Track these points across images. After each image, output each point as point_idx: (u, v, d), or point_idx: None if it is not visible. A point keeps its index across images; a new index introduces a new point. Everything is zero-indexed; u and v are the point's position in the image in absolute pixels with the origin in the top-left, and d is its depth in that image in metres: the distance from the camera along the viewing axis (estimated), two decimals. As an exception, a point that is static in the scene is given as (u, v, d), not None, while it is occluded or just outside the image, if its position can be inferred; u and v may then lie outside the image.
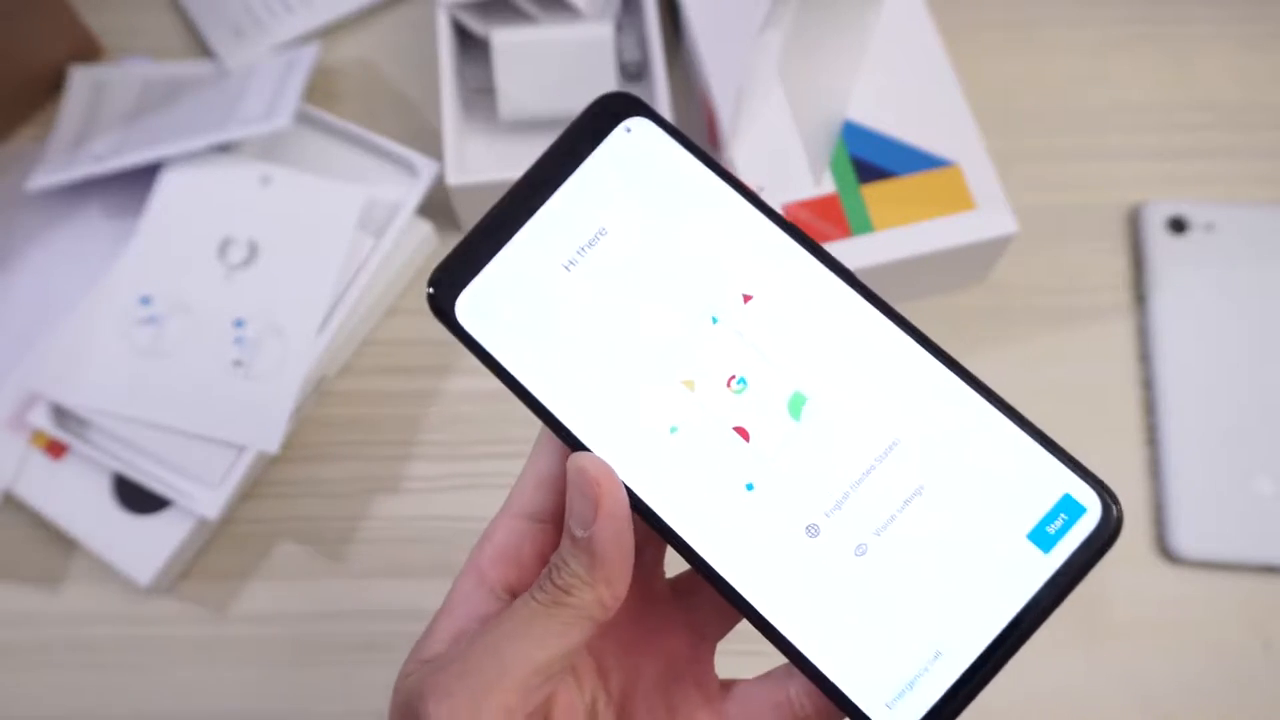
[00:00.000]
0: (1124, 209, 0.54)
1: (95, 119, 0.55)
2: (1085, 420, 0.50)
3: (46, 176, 0.52)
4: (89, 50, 0.58)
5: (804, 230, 0.27)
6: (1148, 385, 0.51)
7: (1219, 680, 0.46)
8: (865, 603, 0.25)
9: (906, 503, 0.25)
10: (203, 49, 0.59)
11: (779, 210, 0.29)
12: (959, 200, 0.48)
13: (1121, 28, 0.59)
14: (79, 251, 0.52)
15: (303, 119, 0.53)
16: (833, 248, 0.47)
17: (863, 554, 0.25)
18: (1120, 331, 0.52)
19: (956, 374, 0.26)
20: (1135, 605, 0.47)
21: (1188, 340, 0.50)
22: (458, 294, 0.27)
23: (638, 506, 0.26)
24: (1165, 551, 0.48)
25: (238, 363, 0.48)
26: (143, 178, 0.51)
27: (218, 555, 0.49)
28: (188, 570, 0.48)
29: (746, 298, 0.27)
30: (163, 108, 0.55)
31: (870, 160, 0.49)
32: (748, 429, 0.26)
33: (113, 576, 0.47)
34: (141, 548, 0.46)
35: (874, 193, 0.48)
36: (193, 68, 0.58)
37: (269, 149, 0.53)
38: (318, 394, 0.51)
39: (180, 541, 0.46)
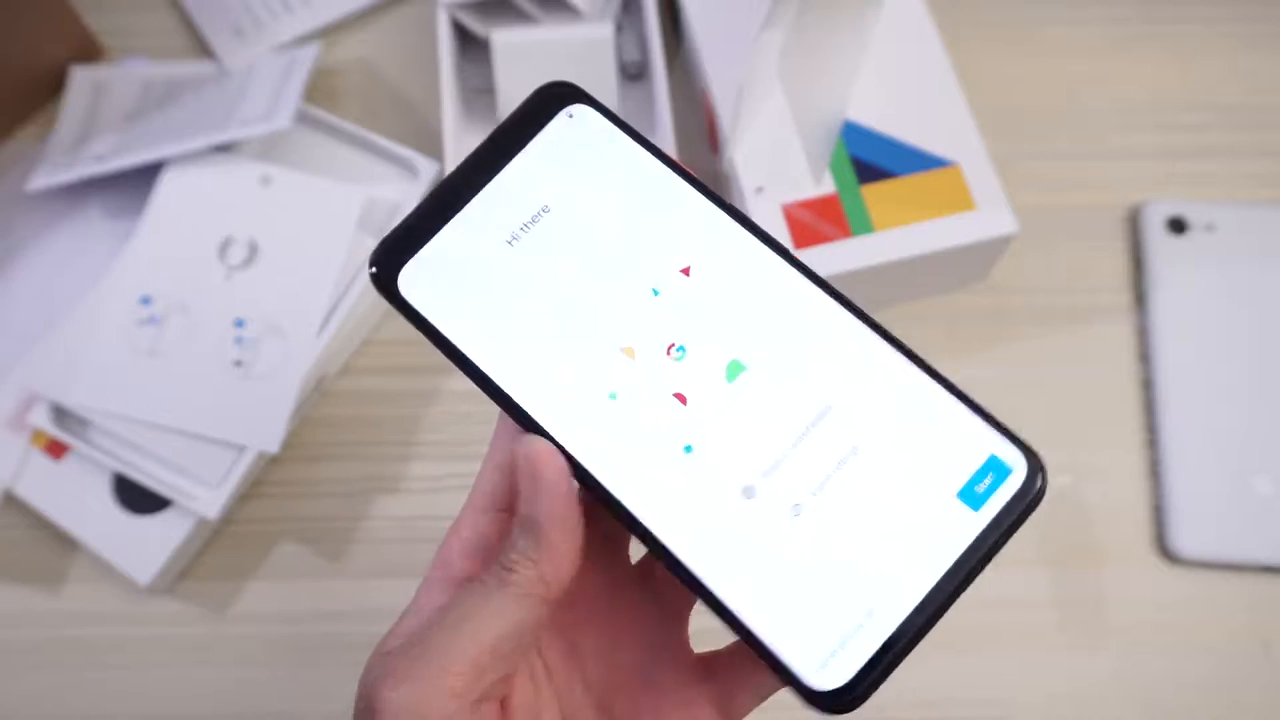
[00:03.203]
0: (1124, 209, 0.54)
1: (95, 119, 0.55)
2: (1085, 420, 0.50)
3: (46, 176, 0.52)
4: (89, 50, 0.58)
5: (742, 211, 0.28)
6: (1148, 385, 0.51)
7: (1219, 681, 0.46)
8: (800, 564, 0.25)
9: (841, 464, 0.26)
10: (203, 49, 0.59)
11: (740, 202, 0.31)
12: (959, 200, 0.48)
13: (1121, 28, 0.59)
14: (79, 251, 0.52)
15: (303, 119, 0.53)
16: (833, 248, 0.47)
17: (798, 515, 0.26)
18: (1120, 331, 0.52)
19: (888, 342, 0.27)
20: (1135, 605, 0.47)
21: (1188, 340, 0.50)
22: (399, 269, 0.28)
23: (582, 477, 0.26)
24: (1165, 551, 0.48)
25: (238, 363, 0.48)
26: (143, 178, 0.51)
27: (218, 555, 0.49)
28: (188, 570, 0.48)
29: (685, 270, 0.28)
30: (163, 108, 0.55)
31: (870, 160, 0.49)
32: (686, 394, 0.27)
33: (113, 576, 0.47)
34: (141, 548, 0.46)
35: (874, 193, 0.48)
36: (193, 68, 0.58)
37: (269, 149, 0.53)
38: (318, 394, 0.51)
39: (180, 541, 0.46)
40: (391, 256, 0.28)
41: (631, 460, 0.27)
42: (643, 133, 0.29)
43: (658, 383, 0.27)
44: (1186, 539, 0.47)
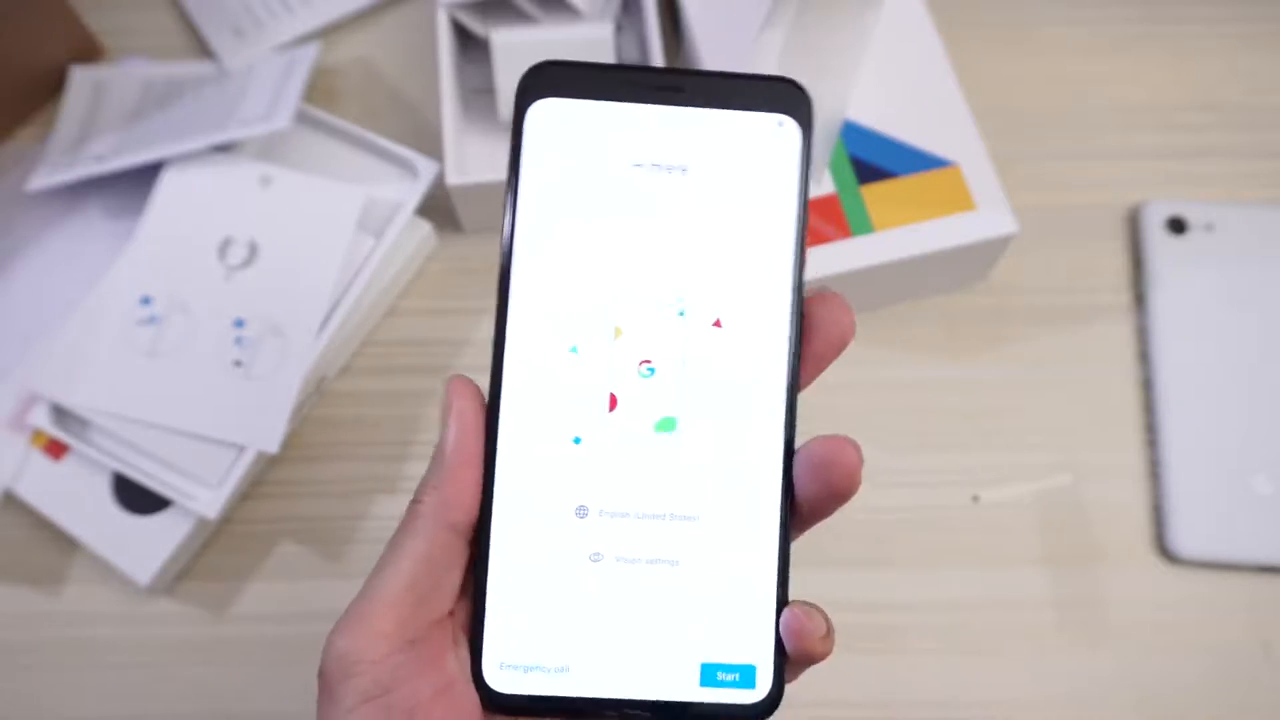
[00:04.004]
0: (1124, 209, 0.54)
1: (95, 119, 0.55)
2: (1085, 420, 0.50)
3: (46, 176, 0.52)
4: (89, 50, 0.58)
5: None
6: (1148, 385, 0.51)
7: (1219, 681, 0.46)
8: (548, 586, 0.27)
9: (652, 561, 0.27)
10: (203, 49, 0.59)
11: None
12: (959, 200, 0.48)
13: (1121, 27, 0.59)
14: (79, 251, 0.52)
15: (303, 119, 0.53)
16: (833, 248, 0.47)
17: (597, 561, 0.27)
18: (1120, 331, 0.52)
19: (782, 503, 0.27)
20: (1135, 605, 0.47)
21: (1188, 340, 0.50)
22: (550, 94, 0.27)
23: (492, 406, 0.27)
24: (1165, 551, 0.48)
25: (238, 363, 0.48)
26: (143, 178, 0.51)
27: (217, 555, 0.49)
28: (187, 570, 0.48)
29: (717, 323, 0.28)
30: (163, 108, 0.55)
31: (870, 160, 0.49)
32: (617, 398, 0.27)
33: (113, 576, 0.47)
34: (141, 548, 0.46)
35: (874, 193, 0.48)
36: (193, 68, 0.58)
37: (269, 149, 0.53)
38: (318, 394, 0.51)
39: (180, 541, 0.46)
40: (555, 81, 0.27)
41: (538, 415, 0.27)
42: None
43: (607, 372, 0.27)
44: (1186, 539, 0.47)
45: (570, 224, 0.27)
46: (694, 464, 0.27)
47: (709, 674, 0.27)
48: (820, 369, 0.28)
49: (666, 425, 0.27)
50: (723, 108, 0.28)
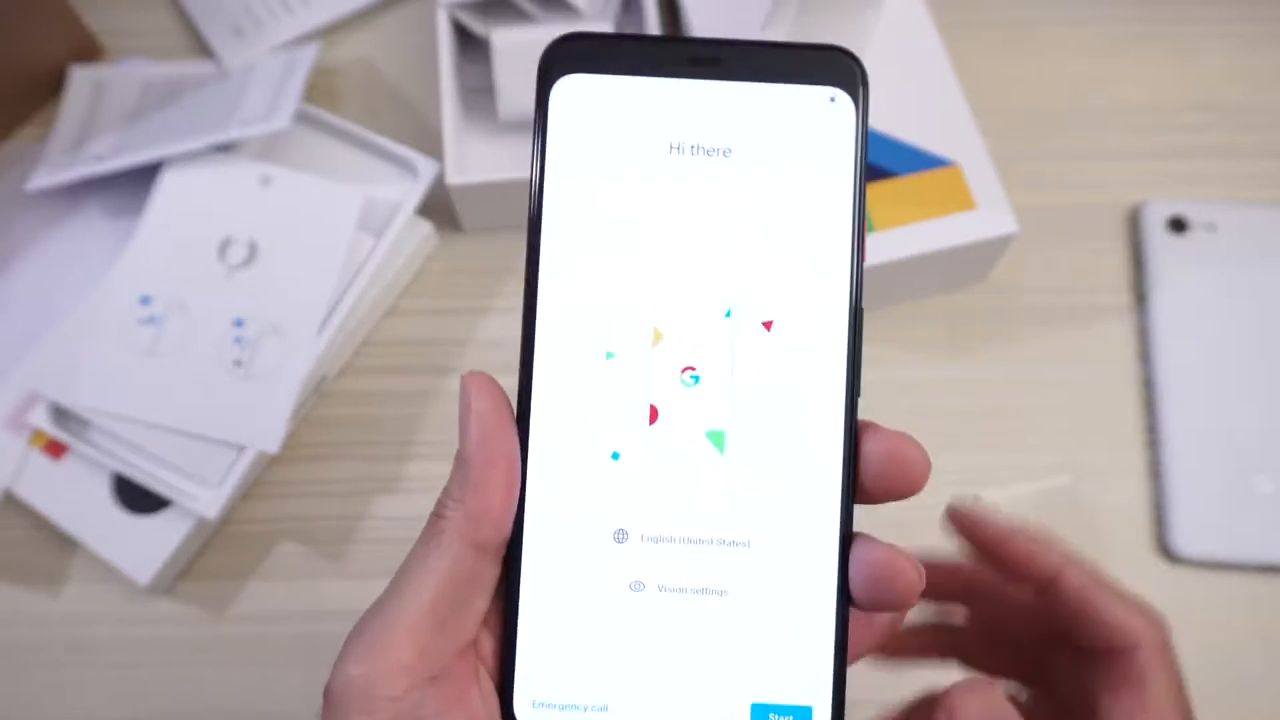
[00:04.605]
0: (1124, 209, 0.54)
1: (95, 119, 0.55)
2: (1085, 420, 0.50)
3: (46, 176, 0.52)
4: (89, 50, 0.58)
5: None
6: (1148, 385, 0.51)
7: (1219, 680, 0.46)
8: (588, 615, 0.25)
9: (699, 591, 0.25)
10: (203, 49, 0.59)
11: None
12: (959, 200, 0.48)
13: (1121, 27, 0.59)
14: (79, 251, 0.52)
15: (303, 119, 0.53)
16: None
17: (638, 590, 0.25)
18: (1120, 331, 0.52)
19: (841, 544, 0.25)
20: (1135, 605, 0.47)
21: (1188, 340, 0.50)
22: (576, 70, 0.25)
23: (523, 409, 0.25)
24: (1165, 551, 0.48)
25: (238, 363, 0.48)
26: (143, 178, 0.51)
27: (217, 555, 0.49)
28: (187, 570, 0.48)
29: (768, 325, 0.25)
30: (163, 108, 0.55)
31: (870, 160, 0.49)
32: (658, 409, 0.25)
33: (113, 576, 0.47)
34: (141, 548, 0.46)
35: (874, 192, 0.48)
36: (193, 68, 0.58)
37: (269, 149, 0.53)
38: (318, 394, 0.51)
39: (180, 541, 0.46)
40: (580, 55, 0.25)
41: (573, 430, 0.25)
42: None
43: (649, 383, 0.25)
44: (1186, 539, 0.47)
45: (602, 215, 0.25)
46: (744, 483, 0.25)
47: (760, 716, 0.24)
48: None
49: (713, 439, 0.25)
50: (768, 81, 0.25)
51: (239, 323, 0.48)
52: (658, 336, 0.25)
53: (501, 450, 0.24)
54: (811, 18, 0.49)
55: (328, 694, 0.23)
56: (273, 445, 0.47)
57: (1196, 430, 0.49)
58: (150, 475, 0.46)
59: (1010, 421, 0.50)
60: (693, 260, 0.25)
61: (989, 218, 0.48)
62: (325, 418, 0.51)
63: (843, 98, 0.25)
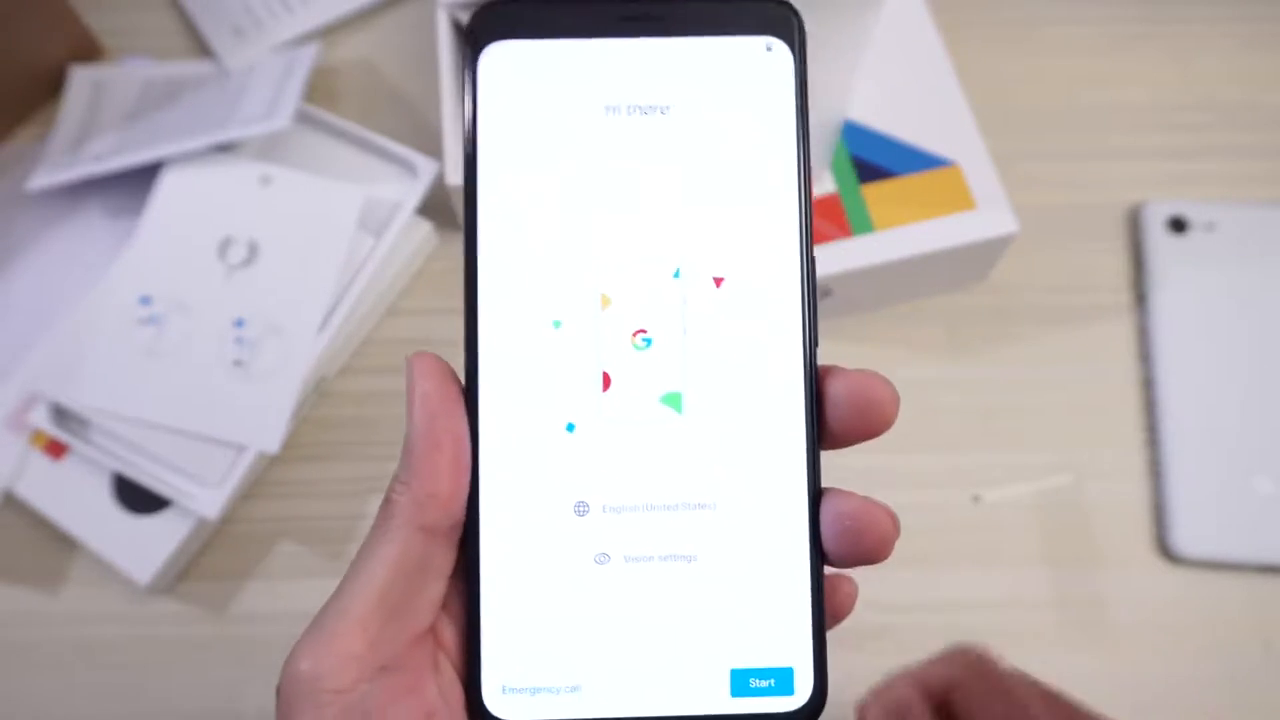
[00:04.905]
0: (1124, 209, 0.54)
1: (95, 119, 0.55)
2: (1085, 420, 0.50)
3: (46, 176, 0.52)
4: (89, 50, 0.58)
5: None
6: (1148, 385, 0.51)
7: (1219, 680, 0.46)
8: (553, 598, 0.24)
9: (668, 559, 0.24)
10: (203, 49, 0.59)
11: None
12: (959, 200, 0.48)
13: (1121, 27, 0.59)
14: (79, 251, 0.52)
15: (303, 119, 0.53)
16: (833, 247, 0.47)
17: (603, 563, 0.24)
18: (1120, 331, 0.52)
19: (810, 506, 0.24)
20: (1135, 605, 0.47)
21: (1188, 340, 0.50)
22: (500, 37, 0.24)
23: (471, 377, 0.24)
24: (1165, 551, 0.48)
25: (238, 363, 0.48)
26: (143, 178, 0.51)
27: (218, 555, 0.49)
28: (188, 570, 0.48)
29: (718, 281, 0.24)
30: (163, 108, 0.55)
31: (871, 160, 0.49)
32: (613, 378, 0.24)
33: (113, 576, 0.47)
34: (141, 548, 0.46)
35: (875, 192, 0.48)
36: (193, 68, 0.58)
37: (269, 149, 0.53)
38: (318, 394, 0.51)
39: (180, 541, 0.46)
40: (507, 21, 0.24)
41: (521, 400, 0.24)
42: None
43: (592, 350, 0.24)
44: (1186, 539, 0.47)
45: (541, 182, 0.24)
46: (705, 444, 0.24)
47: (740, 682, 0.24)
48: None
49: (670, 402, 0.24)
50: (702, 35, 0.24)
51: (239, 323, 0.48)
52: (605, 301, 0.24)
53: (446, 430, 0.23)
54: (811, 17, 0.49)
55: (278, 690, 0.23)
56: (273, 445, 0.47)
57: (1196, 430, 0.49)
58: (150, 475, 0.46)
59: (1010, 421, 0.50)
60: (637, 221, 0.24)
61: (989, 218, 0.48)
62: (325, 418, 0.51)
63: (779, 46, 0.25)
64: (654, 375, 0.24)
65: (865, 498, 0.24)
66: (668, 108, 0.24)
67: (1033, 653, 0.47)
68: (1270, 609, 0.47)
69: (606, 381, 0.24)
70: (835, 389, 0.24)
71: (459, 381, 0.24)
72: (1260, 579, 0.47)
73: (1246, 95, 0.57)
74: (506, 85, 0.24)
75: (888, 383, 0.24)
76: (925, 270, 0.49)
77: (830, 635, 0.26)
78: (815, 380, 0.24)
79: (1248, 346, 0.50)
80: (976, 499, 0.49)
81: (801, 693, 0.24)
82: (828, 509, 0.24)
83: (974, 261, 0.50)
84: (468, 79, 0.24)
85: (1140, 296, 0.52)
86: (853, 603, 0.25)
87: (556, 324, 0.24)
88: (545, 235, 0.24)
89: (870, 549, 0.24)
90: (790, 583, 0.24)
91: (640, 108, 0.24)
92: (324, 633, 0.23)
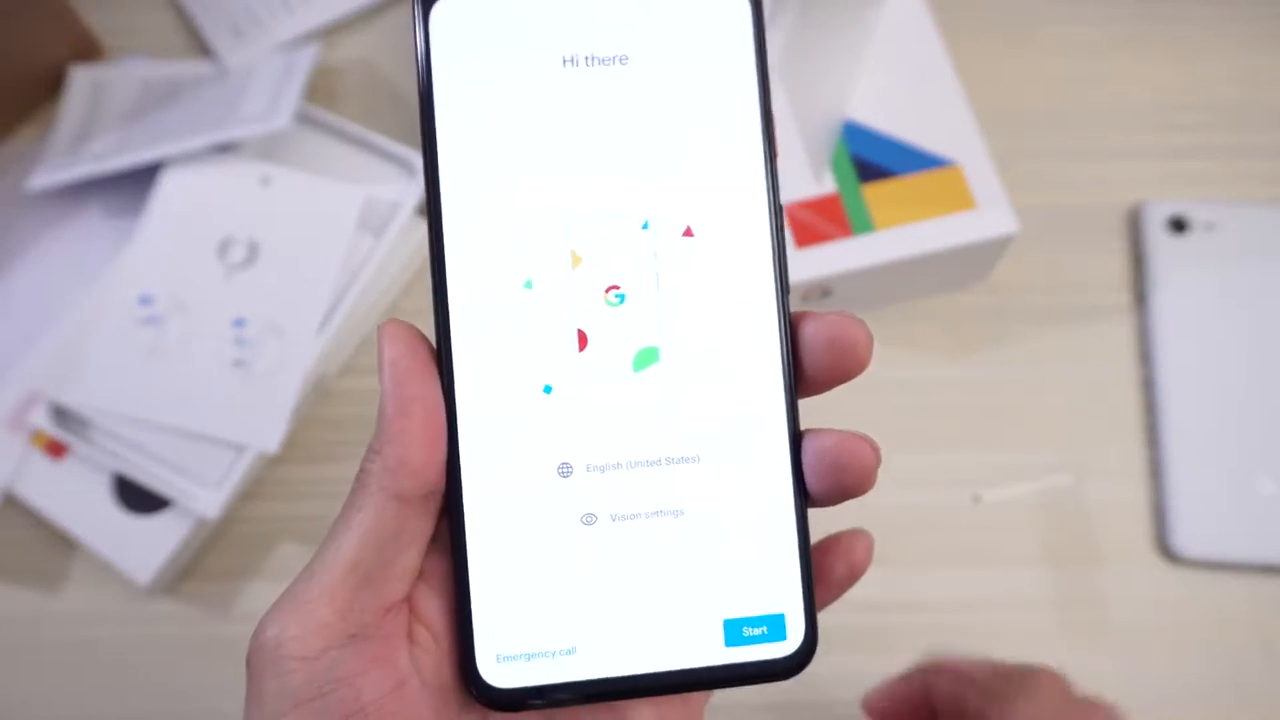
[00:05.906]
0: (1124, 209, 0.54)
1: (95, 119, 0.55)
2: (1085, 420, 0.50)
3: (46, 176, 0.52)
4: (89, 50, 0.58)
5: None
6: (1148, 385, 0.51)
7: (1219, 681, 0.46)
8: (547, 563, 0.24)
9: (652, 514, 0.24)
10: (203, 49, 0.59)
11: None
12: (959, 200, 0.48)
13: (1121, 27, 0.59)
14: (79, 251, 0.52)
15: (303, 119, 0.53)
16: (834, 247, 0.47)
17: (590, 524, 0.24)
18: (1120, 331, 0.52)
19: (794, 468, 0.24)
20: (1135, 605, 0.47)
21: (1188, 340, 0.50)
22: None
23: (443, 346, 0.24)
24: (1165, 551, 0.48)
25: (238, 362, 0.48)
26: (143, 178, 0.51)
27: (218, 555, 0.49)
28: (188, 570, 0.48)
29: (689, 232, 0.24)
30: (163, 108, 0.55)
31: (871, 160, 0.49)
32: (588, 336, 0.24)
33: (113, 576, 0.47)
34: (141, 547, 0.46)
35: (875, 192, 0.48)
36: (193, 67, 0.58)
37: (269, 149, 0.53)
38: (318, 394, 0.51)
39: (180, 541, 0.46)
40: None
41: (497, 366, 0.24)
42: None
43: (565, 309, 0.24)
44: (1187, 539, 0.47)
45: (500, 141, 0.24)
46: (685, 397, 0.24)
47: (734, 631, 0.24)
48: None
49: (648, 357, 0.24)
50: None
51: (239, 322, 0.48)
52: (576, 259, 0.24)
53: (415, 396, 0.23)
54: (811, 17, 0.49)
55: (247, 660, 0.23)
56: (273, 445, 0.47)
57: (1197, 430, 0.49)
58: (150, 475, 0.46)
59: (1010, 421, 0.50)
60: (602, 175, 0.24)
61: (989, 218, 0.48)
62: (325, 418, 0.51)
63: None
64: (629, 331, 0.24)
65: (844, 430, 0.24)
66: (626, 58, 0.24)
67: (1033, 653, 0.47)
68: (1271, 609, 0.47)
69: (582, 340, 0.24)
70: (809, 332, 0.24)
71: (430, 347, 0.24)
72: (1261, 579, 0.47)
73: (1246, 95, 0.57)
74: (459, 40, 0.24)
75: (862, 324, 0.24)
76: (925, 270, 0.49)
77: (830, 635, 0.26)
78: (789, 325, 0.24)
79: (1248, 346, 0.50)
80: (976, 499, 0.49)
81: (794, 638, 0.24)
82: (808, 447, 0.24)
83: (974, 261, 0.50)
84: (419, 35, 0.24)
85: (1140, 296, 0.52)
86: (870, 554, 0.25)
87: (528, 284, 0.24)
88: (509, 194, 0.24)
89: (854, 482, 0.24)
90: (777, 529, 0.24)
91: (599, 59, 0.24)
92: (292, 600, 0.22)
